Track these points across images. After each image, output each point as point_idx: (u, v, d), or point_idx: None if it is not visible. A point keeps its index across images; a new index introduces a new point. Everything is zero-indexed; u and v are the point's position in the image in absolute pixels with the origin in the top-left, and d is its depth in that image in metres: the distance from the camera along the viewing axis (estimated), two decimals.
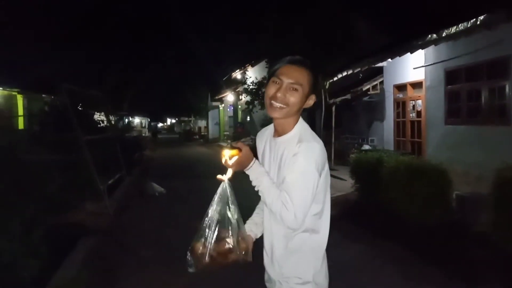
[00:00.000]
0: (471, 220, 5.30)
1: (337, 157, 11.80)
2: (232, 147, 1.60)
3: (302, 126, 1.63)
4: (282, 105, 1.55)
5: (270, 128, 1.76)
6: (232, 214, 1.59)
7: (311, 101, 1.62)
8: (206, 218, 1.59)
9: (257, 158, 1.71)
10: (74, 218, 6.28)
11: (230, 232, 1.58)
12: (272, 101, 1.56)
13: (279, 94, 1.54)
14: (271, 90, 1.57)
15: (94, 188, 6.86)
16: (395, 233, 5.46)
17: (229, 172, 1.61)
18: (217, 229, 1.57)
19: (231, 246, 1.58)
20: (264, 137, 1.77)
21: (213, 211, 1.58)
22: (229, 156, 1.58)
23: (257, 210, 1.88)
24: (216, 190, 1.62)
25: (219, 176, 1.60)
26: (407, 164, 5.83)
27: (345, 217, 6.74)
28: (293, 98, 1.55)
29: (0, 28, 13.70)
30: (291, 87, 1.54)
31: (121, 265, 4.64)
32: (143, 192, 8.98)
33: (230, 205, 1.59)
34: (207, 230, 1.57)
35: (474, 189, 5.84)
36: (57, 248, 4.32)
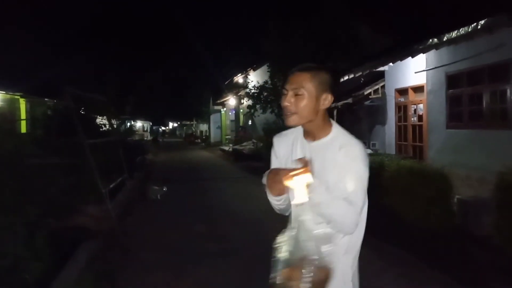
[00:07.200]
0: (473, 224, 5.30)
1: None
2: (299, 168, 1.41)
3: (339, 129, 1.67)
4: (291, 112, 1.59)
5: (294, 132, 1.74)
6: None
7: (326, 101, 1.61)
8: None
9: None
10: (77, 221, 6.27)
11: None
12: (284, 111, 1.60)
13: (286, 103, 1.58)
14: (282, 101, 1.62)
15: (97, 192, 6.87)
16: (397, 236, 5.45)
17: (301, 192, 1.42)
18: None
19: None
20: (289, 141, 1.74)
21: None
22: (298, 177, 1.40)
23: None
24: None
25: (301, 200, 1.43)
26: (409, 168, 5.83)
27: None
28: (299, 103, 1.57)
29: (3, 33, 13.80)
30: (294, 93, 1.58)
31: (124, 268, 4.65)
32: (145, 195, 9.00)
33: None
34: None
35: (476, 193, 5.83)
36: (59, 251, 4.34)
